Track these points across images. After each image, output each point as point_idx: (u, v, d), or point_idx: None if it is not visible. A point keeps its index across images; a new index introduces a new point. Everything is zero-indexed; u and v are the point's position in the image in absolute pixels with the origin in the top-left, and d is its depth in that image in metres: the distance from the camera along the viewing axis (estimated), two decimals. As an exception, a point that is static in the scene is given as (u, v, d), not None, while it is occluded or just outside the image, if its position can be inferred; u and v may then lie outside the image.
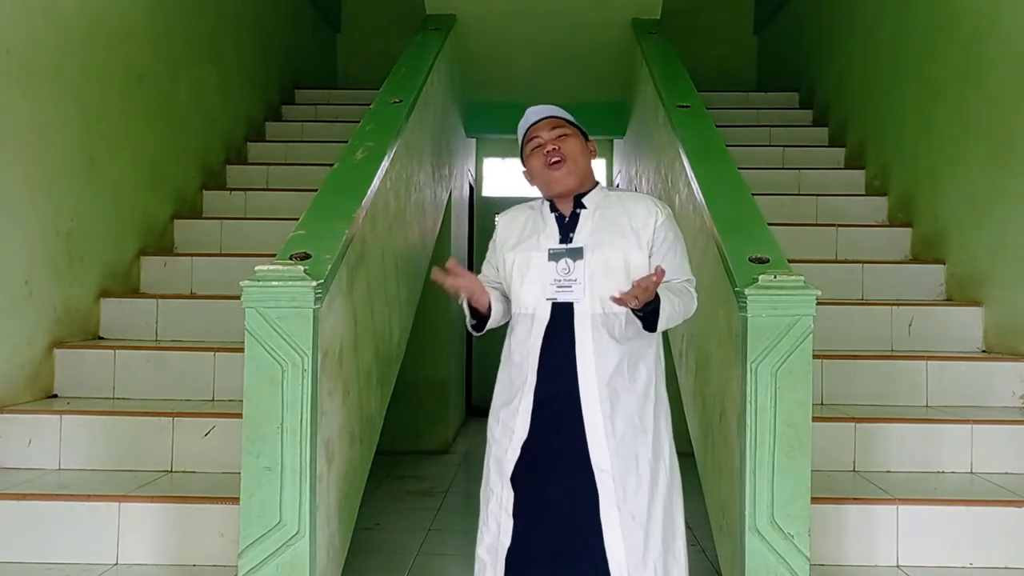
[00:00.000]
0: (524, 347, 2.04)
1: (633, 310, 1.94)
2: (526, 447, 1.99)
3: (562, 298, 2.01)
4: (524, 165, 2.17)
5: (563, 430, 1.97)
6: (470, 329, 2.16)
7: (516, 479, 1.99)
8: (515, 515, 1.99)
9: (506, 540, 1.99)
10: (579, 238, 2.05)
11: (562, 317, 2.01)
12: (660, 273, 1.85)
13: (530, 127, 2.13)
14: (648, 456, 1.99)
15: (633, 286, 1.86)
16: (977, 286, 3.52)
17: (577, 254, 2.01)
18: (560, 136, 2.08)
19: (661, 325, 1.97)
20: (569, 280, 2.01)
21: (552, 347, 2.00)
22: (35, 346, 3.06)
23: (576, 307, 2.00)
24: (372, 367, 2.88)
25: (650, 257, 2.03)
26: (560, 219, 2.09)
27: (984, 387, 3.16)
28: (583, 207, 2.09)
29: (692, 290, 2.08)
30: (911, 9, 4.22)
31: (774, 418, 2.13)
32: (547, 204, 2.14)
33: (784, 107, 6.04)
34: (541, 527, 1.97)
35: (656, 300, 1.92)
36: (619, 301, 1.88)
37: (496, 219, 2.23)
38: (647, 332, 2.00)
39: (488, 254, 2.22)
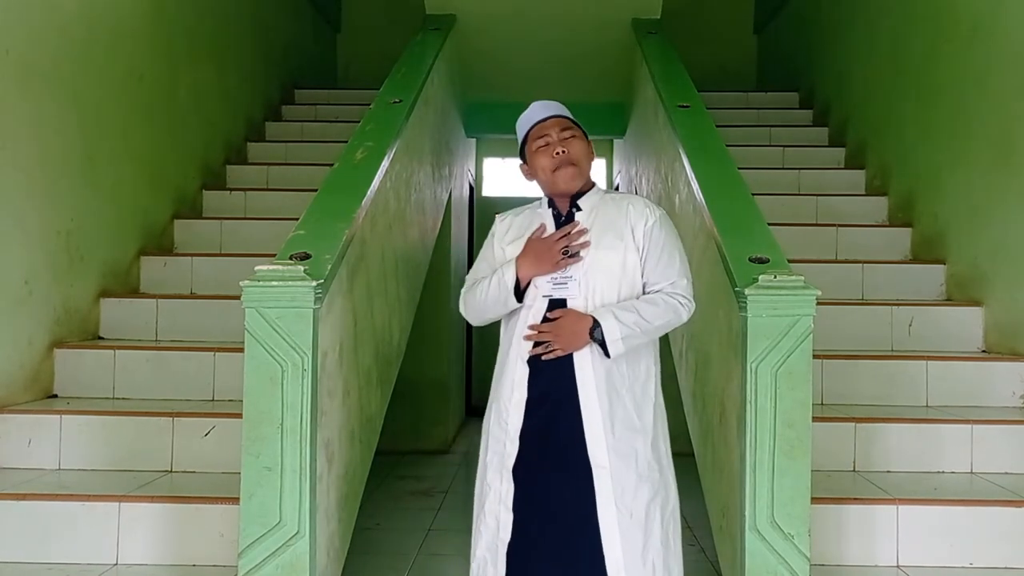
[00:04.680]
0: (519, 340, 2.05)
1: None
2: (524, 439, 1.99)
3: (558, 294, 2.02)
4: (523, 159, 2.18)
5: (561, 425, 1.98)
6: (513, 298, 2.04)
7: (516, 472, 1.99)
8: (514, 509, 1.98)
9: (506, 535, 1.98)
10: None
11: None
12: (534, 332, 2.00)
13: (537, 124, 2.13)
14: (647, 455, 1.99)
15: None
16: (977, 286, 3.52)
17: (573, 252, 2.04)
18: (569, 138, 2.09)
19: (616, 348, 1.93)
20: (564, 277, 2.03)
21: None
22: (35, 346, 3.06)
23: (570, 304, 2.01)
24: (372, 367, 2.88)
25: (642, 259, 2.04)
26: (557, 217, 2.13)
27: (984, 387, 3.16)
28: (579, 208, 2.12)
29: (677, 297, 2.01)
30: (911, 9, 4.22)
31: (774, 418, 2.13)
32: (545, 202, 2.18)
33: (784, 107, 6.04)
34: (540, 521, 1.96)
35: (598, 326, 1.94)
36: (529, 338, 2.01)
37: (496, 218, 2.25)
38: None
39: (484, 252, 2.22)
